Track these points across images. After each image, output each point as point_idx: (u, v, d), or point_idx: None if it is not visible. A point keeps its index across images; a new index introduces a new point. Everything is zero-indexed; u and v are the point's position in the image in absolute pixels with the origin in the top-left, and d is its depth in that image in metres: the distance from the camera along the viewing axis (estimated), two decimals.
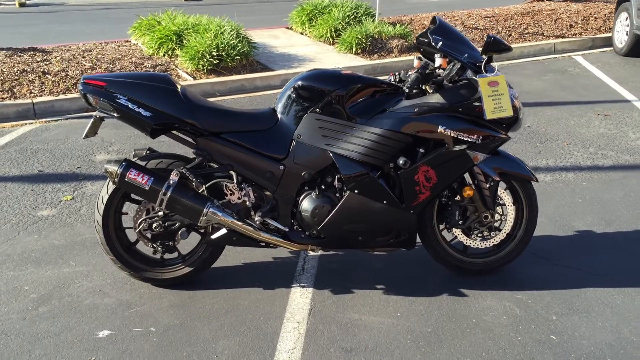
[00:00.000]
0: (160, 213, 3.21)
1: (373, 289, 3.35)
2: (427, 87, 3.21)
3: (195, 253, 3.35)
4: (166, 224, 3.23)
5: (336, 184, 3.18)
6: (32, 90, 6.87)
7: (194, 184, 3.12)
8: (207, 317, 3.11)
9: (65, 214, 4.25)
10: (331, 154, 3.12)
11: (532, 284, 3.39)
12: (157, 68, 7.74)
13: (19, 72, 7.25)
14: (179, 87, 3.17)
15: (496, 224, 3.43)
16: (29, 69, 7.34)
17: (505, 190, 3.43)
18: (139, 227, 3.23)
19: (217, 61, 7.72)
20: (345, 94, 3.11)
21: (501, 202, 3.40)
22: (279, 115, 3.22)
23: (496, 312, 3.15)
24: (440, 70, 3.20)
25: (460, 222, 3.35)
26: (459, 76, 3.21)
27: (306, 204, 3.17)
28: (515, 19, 10.72)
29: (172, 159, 3.25)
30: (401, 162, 3.09)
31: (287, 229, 3.20)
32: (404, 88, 3.00)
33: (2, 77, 7.08)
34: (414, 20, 10.51)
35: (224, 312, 3.15)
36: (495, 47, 2.97)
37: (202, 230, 3.32)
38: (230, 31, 8.08)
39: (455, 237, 3.42)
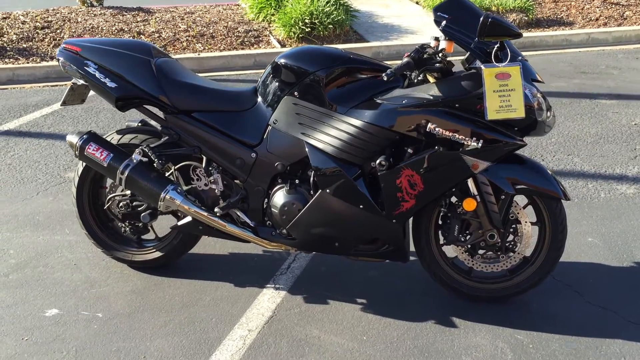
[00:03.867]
0: (128, 192, 3.00)
1: (352, 301, 2.93)
2: (429, 75, 2.67)
3: (167, 238, 3.12)
4: (133, 204, 3.02)
5: (311, 179, 2.78)
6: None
7: (155, 164, 2.87)
8: (160, 310, 2.88)
9: None
10: (306, 145, 2.72)
11: (545, 323, 2.77)
12: (250, 34, 7.59)
13: (116, 31, 7.44)
14: (155, 58, 2.91)
15: (509, 245, 2.84)
16: (126, 29, 7.50)
17: (525, 206, 2.82)
18: (107, 204, 3.05)
19: (309, 29, 7.39)
20: (325, 76, 2.67)
21: (517, 219, 2.80)
22: (259, 97, 2.86)
23: (482, 353, 2.60)
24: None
25: (461, 239, 2.81)
26: (470, 64, 2.65)
27: (276, 199, 2.81)
28: None
29: (149, 135, 3.01)
30: (378, 161, 2.61)
31: (253, 224, 2.86)
32: (383, 75, 2.50)
33: (99, 35, 7.29)
34: None
35: (180, 306, 2.90)
36: (493, 31, 2.37)
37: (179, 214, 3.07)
38: None
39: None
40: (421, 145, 2.63)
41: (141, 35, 7.34)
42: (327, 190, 2.69)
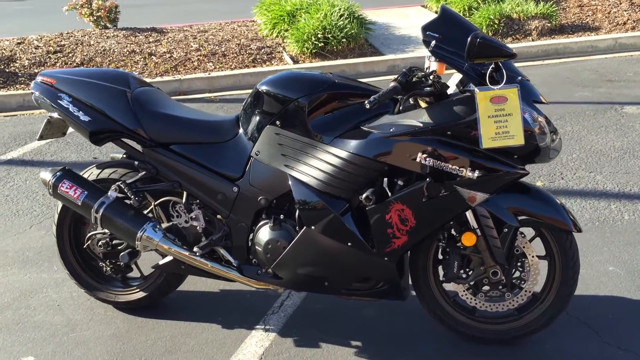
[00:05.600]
0: (107, 230, 2.83)
1: (345, 345, 2.71)
2: (420, 100, 2.45)
3: (151, 277, 2.95)
4: (113, 242, 2.85)
5: (297, 215, 2.57)
6: (134, 72, 6.91)
7: (131, 201, 2.70)
8: (141, 357, 2.69)
9: None
10: (289, 178, 2.52)
11: None
12: (262, 51, 7.44)
13: (128, 52, 7.36)
14: (133, 88, 2.74)
15: (515, 281, 2.59)
16: (138, 50, 7.43)
17: (532, 238, 2.57)
18: (87, 242, 2.89)
19: (322, 44, 7.21)
20: (308, 103, 2.47)
21: (523, 253, 2.55)
22: (240, 127, 2.68)
23: None
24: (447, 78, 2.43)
25: (462, 276, 2.57)
26: (464, 86, 2.42)
27: (260, 236, 2.61)
28: None
29: (130, 169, 2.84)
30: (364, 195, 2.39)
31: (235, 263, 2.67)
32: (365, 102, 2.28)
33: (111, 57, 7.24)
34: None
35: (162, 352, 2.72)
36: (482, 52, 2.15)
37: None
38: (341, 11, 7.50)
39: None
40: (412, 177, 2.40)
41: (152, 57, 7.25)
42: (312, 227, 2.48)
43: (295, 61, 7.18)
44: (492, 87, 2.24)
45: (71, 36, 7.92)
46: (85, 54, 7.31)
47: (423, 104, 2.44)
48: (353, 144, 2.41)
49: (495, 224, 2.48)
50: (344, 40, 7.24)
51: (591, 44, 7.51)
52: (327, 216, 2.46)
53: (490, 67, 2.26)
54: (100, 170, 2.87)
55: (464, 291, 2.61)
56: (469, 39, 2.14)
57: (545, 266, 2.57)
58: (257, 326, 2.85)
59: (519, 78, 2.35)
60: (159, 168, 2.70)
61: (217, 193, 2.64)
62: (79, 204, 2.69)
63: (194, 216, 2.69)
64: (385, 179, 2.52)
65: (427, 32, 2.38)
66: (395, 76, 2.38)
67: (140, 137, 2.69)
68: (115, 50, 7.41)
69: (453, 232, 2.56)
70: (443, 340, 2.70)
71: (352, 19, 7.53)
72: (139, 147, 2.76)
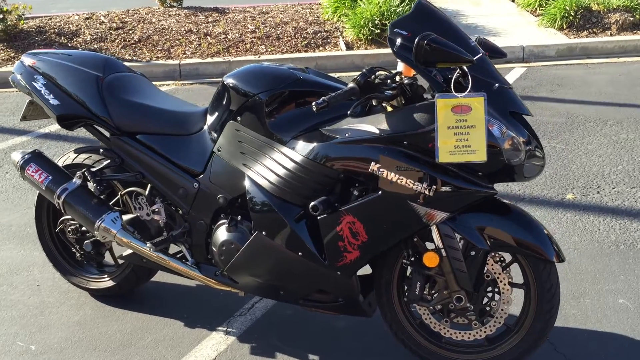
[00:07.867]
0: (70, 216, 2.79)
1: (302, 357, 2.54)
2: (386, 103, 2.22)
3: (121, 267, 2.89)
4: (82, 229, 2.82)
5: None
6: (186, 51, 6.95)
7: (93, 190, 2.64)
8: (95, 348, 2.65)
9: None
10: (246, 178, 2.37)
11: None
12: (318, 35, 7.28)
13: (185, 31, 7.41)
14: (108, 73, 2.67)
15: (485, 309, 2.33)
16: (195, 29, 7.45)
17: (507, 264, 2.30)
18: (59, 226, 2.87)
19: (379, 30, 6.95)
20: (266, 100, 2.31)
21: (495, 279, 2.28)
22: (207, 120, 2.55)
23: None
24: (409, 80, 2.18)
25: (427, 298, 2.33)
26: (434, 91, 2.17)
27: (217, 236, 2.48)
28: None
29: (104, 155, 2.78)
30: (312, 204, 2.20)
31: (192, 262, 2.56)
32: (313, 104, 2.07)
33: (167, 36, 7.30)
34: None
35: (117, 345, 2.66)
36: (431, 57, 1.89)
37: None
38: None
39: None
40: (368, 188, 2.19)
41: (208, 37, 7.24)
42: (263, 232, 2.33)
43: (350, 47, 6.97)
44: (455, 94, 1.99)
45: (136, 13, 8.06)
46: (144, 31, 7.42)
47: (389, 108, 2.21)
48: (307, 147, 2.22)
49: (467, 245, 2.23)
50: None
51: None
52: (279, 222, 2.29)
53: (457, 72, 2.00)
54: (76, 155, 2.84)
55: (427, 315, 2.37)
56: (416, 40, 1.90)
57: (518, 296, 2.29)
58: (220, 327, 2.74)
59: (496, 85, 2.08)
60: (123, 157, 2.62)
61: (178, 187, 2.53)
62: (43, 188, 2.67)
63: (155, 209, 2.60)
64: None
65: (395, 29, 2.13)
66: (355, 76, 2.16)
67: (107, 125, 2.62)
68: (173, 29, 7.47)
69: (412, 252, 2.32)
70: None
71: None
72: (107, 135, 2.69)
